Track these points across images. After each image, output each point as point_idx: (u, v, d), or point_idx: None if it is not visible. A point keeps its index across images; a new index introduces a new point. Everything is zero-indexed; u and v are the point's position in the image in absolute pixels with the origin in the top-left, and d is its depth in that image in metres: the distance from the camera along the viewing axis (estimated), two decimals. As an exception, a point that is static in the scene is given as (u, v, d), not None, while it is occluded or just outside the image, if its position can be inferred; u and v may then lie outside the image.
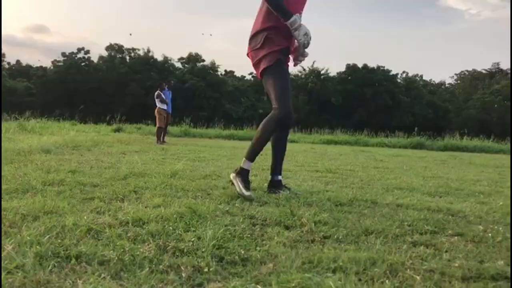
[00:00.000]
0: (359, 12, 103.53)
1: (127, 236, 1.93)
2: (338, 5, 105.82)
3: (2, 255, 1.53)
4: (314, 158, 8.53)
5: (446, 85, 59.45)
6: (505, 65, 60.28)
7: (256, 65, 3.31)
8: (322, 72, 50.86)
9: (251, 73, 57.34)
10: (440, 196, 3.92)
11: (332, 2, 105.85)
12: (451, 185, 4.86)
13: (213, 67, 50.16)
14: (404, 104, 47.74)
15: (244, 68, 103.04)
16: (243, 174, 3.22)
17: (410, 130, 32.25)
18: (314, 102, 49.94)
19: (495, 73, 59.30)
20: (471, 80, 59.24)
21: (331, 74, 51.58)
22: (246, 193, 3.05)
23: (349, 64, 51.37)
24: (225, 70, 57.39)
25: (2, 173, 3.57)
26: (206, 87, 47.65)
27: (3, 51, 46.78)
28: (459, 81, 61.35)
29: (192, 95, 47.57)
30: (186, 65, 50.95)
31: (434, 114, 48.86)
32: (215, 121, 30.02)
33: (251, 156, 3.34)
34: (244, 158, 3.34)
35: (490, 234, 2.27)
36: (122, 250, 1.70)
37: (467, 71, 61.79)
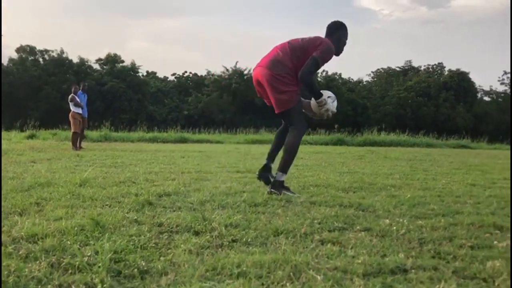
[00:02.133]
0: (280, 12, 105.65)
1: (18, 254, 1.76)
2: (259, 5, 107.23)
3: None
4: (237, 158, 8.51)
5: (364, 83, 62.29)
6: (416, 63, 64.40)
7: (271, 88, 3.72)
8: (245, 72, 51.22)
9: (174, 74, 56.55)
10: (354, 191, 4.04)
11: (254, 2, 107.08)
12: (365, 179, 5.05)
13: (133, 68, 48.68)
14: (325, 102, 49.43)
15: (167, 68, 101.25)
16: (282, 185, 3.68)
17: (331, 127, 33.45)
18: (238, 102, 50.18)
19: (408, 70, 63.05)
20: (386, 77, 62.49)
21: (254, 74, 52.13)
22: (297, 195, 3.55)
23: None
24: (147, 71, 56.05)
25: None
26: (127, 89, 46.16)
27: None
28: (375, 79, 64.44)
29: (112, 97, 45.90)
30: (104, 67, 49.04)
31: (353, 111, 50.94)
32: (137, 123, 29.14)
33: (286, 169, 3.79)
34: (279, 172, 3.75)
35: (394, 228, 2.34)
36: (7, 271, 1.54)
37: (382, 69, 65.08)
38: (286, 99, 3.70)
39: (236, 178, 4.92)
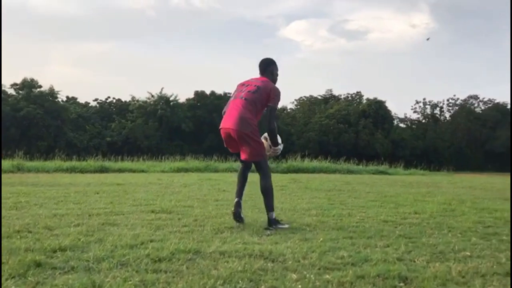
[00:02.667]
0: (206, 39, 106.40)
1: None
2: (181, 31, 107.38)
3: None
4: (156, 193, 8.18)
5: (288, 110, 63.97)
6: (336, 92, 67.17)
7: (243, 142, 4.47)
8: (171, 98, 50.70)
9: (96, 99, 54.57)
10: (267, 234, 3.94)
11: (175, 28, 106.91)
12: (282, 217, 4.98)
13: (52, 93, 46.39)
14: (252, 128, 50.13)
15: (88, 94, 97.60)
16: (275, 221, 4.43)
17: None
18: (164, 128, 49.37)
19: (329, 99, 65.64)
20: (309, 105, 64.61)
21: (180, 101, 51.73)
22: (286, 225, 4.44)
23: (197, 91, 52.13)
24: (67, 96, 53.58)
25: None
26: (45, 115, 43.78)
27: None
28: (299, 106, 66.40)
29: (28, 123, 43.29)
30: (20, 92, 46.28)
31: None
32: (55, 151, 27.52)
33: (272, 207, 4.55)
34: (270, 213, 4.49)
35: (300, 286, 2.24)
36: None
37: (305, 97, 67.26)
38: (257, 152, 4.50)
39: (148, 221, 4.65)
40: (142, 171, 20.77)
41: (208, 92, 52.14)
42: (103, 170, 20.34)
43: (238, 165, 19.07)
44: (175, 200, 6.79)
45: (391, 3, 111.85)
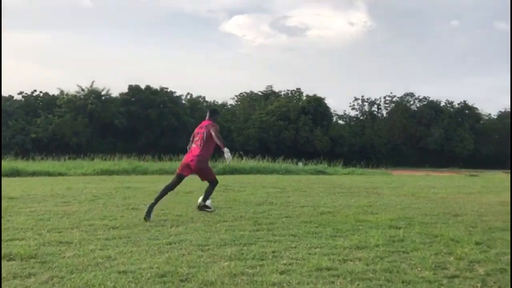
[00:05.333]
0: (140, 32, 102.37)
1: None
2: (120, 23, 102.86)
3: None
4: (40, 215, 6.53)
5: (228, 106, 62.53)
6: (276, 88, 66.57)
7: (200, 171, 6.71)
8: (103, 93, 47.69)
9: (21, 93, 50.29)
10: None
11: (108, 20, 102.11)
12: (178, 270, 3.60)
13: (-31, 85, 42.21)
14: (190, 125, 47.96)
15: (13, 86, 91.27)
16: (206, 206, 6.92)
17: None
18: (96, 124, 46.36)
19: (269, 95, 64.89)
20: (249, 101, 63.57)
21: (113, 95, 48.78)
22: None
23: (131, 85, 49.28)
24: (-12, 89, 49.14)
25: None
26: (-41, 109, 39.73)
27: None
28: (239, 102, 65.21)
29: None
30: None
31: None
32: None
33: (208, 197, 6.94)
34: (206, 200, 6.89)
35: None
36: None
37: (245, 92, 66.18)
38: (210, 177, 6.83)
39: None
40: (60, 174, 18.67)
41: (143, 87, 49.54)
42: (14, 173, 18.06)
43: (169, 166, 17.35)
44: (55, 230, 5.22)
45: (330, 1, 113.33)
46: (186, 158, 6.66)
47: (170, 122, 47.96)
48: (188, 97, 54.84)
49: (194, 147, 6.62)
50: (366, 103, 70.89)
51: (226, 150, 6.38)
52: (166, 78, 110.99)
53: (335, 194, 10.48)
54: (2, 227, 5.35)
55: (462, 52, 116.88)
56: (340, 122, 68.29)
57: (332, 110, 63.56)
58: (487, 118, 72.09)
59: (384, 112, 71.76)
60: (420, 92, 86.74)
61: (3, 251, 4.08)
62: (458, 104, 70.04)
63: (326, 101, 60.41)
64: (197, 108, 51.96)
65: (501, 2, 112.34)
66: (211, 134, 6.50)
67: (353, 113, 70.66)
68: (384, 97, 70.91)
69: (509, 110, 69.76)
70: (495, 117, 71.70)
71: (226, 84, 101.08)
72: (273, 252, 4.28)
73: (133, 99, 49.01)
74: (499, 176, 27.50)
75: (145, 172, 20.70)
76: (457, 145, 64.59)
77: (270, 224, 5.86)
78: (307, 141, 54.57)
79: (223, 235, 5.09)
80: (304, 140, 54.62)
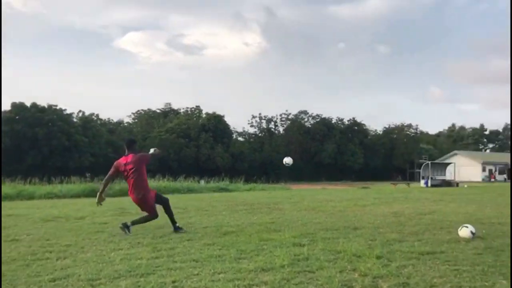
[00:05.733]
0: (26, 47, 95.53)
1: None
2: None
3: None
4: None
5: (125, 124, 60.29)
6: (175, 105, 65.67)
7: (142, 200, 7.02)
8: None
9: None
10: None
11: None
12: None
13: None
14: (83, 144, 45.46)
15: None
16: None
17: (92, 171, 30.16)
18: (-26, 145, 41.83)
19: (168, 112, 63.78)
20: (147, 118, 61.88)
21: (-5, 114, 44.51)
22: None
23: (15, 103, 45.37)
24: None
25: None
26: None
27: None
28: (136, 120, 63.21)
29: None
30: None
31: (114, 153, 48.23)
32: None
33: (137, 223, 6.99)
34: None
35: None
36: None
37: (143, 110, 64.33)
38: (150, 204, 7.06)
39: None
40: None
41: (28, 104, 45.85)
42: None
43: (59, 189, 16.00)
44: None
45: (225, 21, 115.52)
46: (133, 199, 7.01)
47: (60, 141, 44.89)
48: (80, 115, 51.90)
49: (131, 183, 6.85)
50: (263, 120, 72.77)
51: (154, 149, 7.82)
52: (56, 96, 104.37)
53: (238, 212, 10.31)
54: None
55: (349, 72, 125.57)
56: (240, 139, 69.22)
57: (231, 127, 64.23)
58: (373, 133, 77.71)
59: (281, 129, 74.22)
60: (313, 110, 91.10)
61: None
62: (348, 121, 74.77)
63: (225, 119, 60.89)
64: (90, 127, 49.30)
65: (382, 26, 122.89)
66: (143, 167, 6.93)
67: (251, 130, 72.10)
68: (280, 115, 73.48)
69: (393, 126, 76.02)
70: (380, 132, 77.53)
71: (122, 101, 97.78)
72: (174, 282, 3.92)
73: (17, 117, 45.11)
74: (388, 188, 29.53)
75: (31, 197, 18.92)
76: (348, 159, 68.67)
77: (170, 250, 5.46)
78: (209, 158, 54.37)
79: (117, 265, 4.60)
80: (206, 157, 54.36)
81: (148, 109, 64.57)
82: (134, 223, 6.87)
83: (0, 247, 3.43)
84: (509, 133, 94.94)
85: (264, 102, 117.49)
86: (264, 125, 73.06)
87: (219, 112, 59.98)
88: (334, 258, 4.77)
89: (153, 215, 7.02)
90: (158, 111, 64.04)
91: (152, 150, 7.66)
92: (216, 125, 57.42)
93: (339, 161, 68.67)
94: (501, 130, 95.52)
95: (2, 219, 9.67)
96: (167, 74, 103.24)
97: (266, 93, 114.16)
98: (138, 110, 64.46)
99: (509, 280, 3.27)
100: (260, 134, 71.87)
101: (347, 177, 64.36)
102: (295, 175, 63.07)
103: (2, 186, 21.41)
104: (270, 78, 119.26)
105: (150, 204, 6.99)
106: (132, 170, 6.80)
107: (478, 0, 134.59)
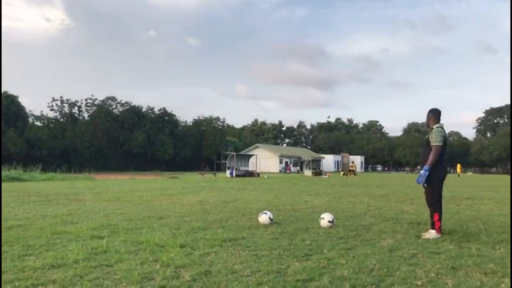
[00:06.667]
0: None
1: None
2: None
3: None
4: None
5: None
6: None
7: None
8: None
9: None
10: None
11: None
12: None
13: None
14: None
15: None
16: None
17: None
18: None
19: None
20: None
21: None
22: None
23: None
24: None
25: None
26: None
27: None
28: None
29: None
30: None
31: None
32: None
33: None
34: None
35: None
36: None
37: None
38: None
39: None
40: None
41: None
42: None
43: None
44: None
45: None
46: None
47: None
48: None
49: None
50: (66, 105, 67.31)
51: None
52: None
53: (29, 204, 9.16)
54: None
55: (160, 61, 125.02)
56: (38, 123, 62.65)
57: (27, 110, 57.68)
58: (184, 124, 78.87)
59: (86, 115, 69.70)
60: (122, 97, 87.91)
61: None
62: (159, 110, 74.28)
63: (20, 100, 54.39)
64: None
65: (192, 19, 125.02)
66: None
67: (52, 114, 65.92)
68: (86, 99, 68.97)
69: (202, 118, 78.36)
70: (190, 123, 79.10)
71: None
72: None
73: None
74: (196, 178, 30.19)
75: None
76: (158, 149, 68.29)
77: None
78: (-2, 144, 47.78)
79: None
80: (-7, 143, 47.61)
81: None
82: None
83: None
84: (302, 130, 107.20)
85: (67, 84, 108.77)
86: (66, 109, 67.55)
87: (12, 92, 53.24)
88: (135, 249, 4.49)
89: None
90: None
91: None
92: (8, 106, 50.75)
93: (149, 151, 67.76)
94: (295, 127, 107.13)
95: None
96: None
97: (70, 75, 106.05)
98: None
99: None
100: (62, 119, 66.19)
101: (157, 167, 64.00)
102: (102, 164, 60.04)
103: None
104: (74, 59, 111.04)
105: None
106: None
107: (280, 6, 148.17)
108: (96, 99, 69.15)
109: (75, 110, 68.64)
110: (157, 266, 3.83)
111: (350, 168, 44.43)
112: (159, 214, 7.44)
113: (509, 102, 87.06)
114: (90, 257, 4.15)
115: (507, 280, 3.40)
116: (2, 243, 4.76)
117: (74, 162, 52.39)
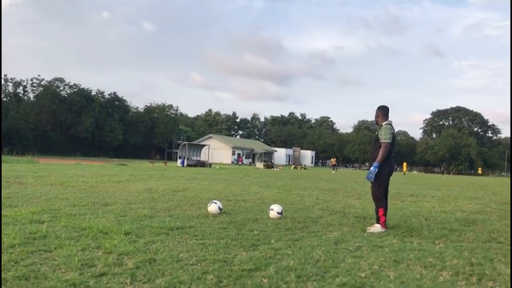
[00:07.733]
0: None
1: None
2: None
3: None
4: None
5: None
6: None
7: None
8: None
9: None
10: None
11: None
12: None
13: None
14: None
15: None
16: None
17: None
18: None
19: None
20: None
21: None
22: None
23: None
24: None
25: None
26: None
27: None
28: None
29: None
30: None
31: None
32: None
33: None
34: None
35: None
36: None
37: None
38: None
39: None
40: None
41: None
42: None
43: None
44: None
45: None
46: None
47: None
48: None
49: None
50: (10, 84, 64.06)
51: None
52: None
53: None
54: None
55: (113, 44, 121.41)
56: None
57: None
58: (135, 110, 77.12)
59: (32, 96, 66.64)
60: (71, 79, 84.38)
61: None
62: (109, 95, 72.24)
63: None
64: None
65: (146, 3, 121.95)
66: None
67: None
68: (31, 79, 65.86)
69: (154, 105, 76.87)
70: (142, 110, 77.46)
71: None
72: None
73: None
74: (146, 165, 29.62)
75: None
76: (107, 134, 66.45)
77: None
78: None
79: None
80: None
81: None
82: None
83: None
84: (256, 122, 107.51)
85: (11, 62, 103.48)
86: (10, 89, 64.29)
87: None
88: (77, 235, 4.32)
89: None
90: None
91: None
92: None
93: (97, 136, 65.79)
94: (249, 119, 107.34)
95: None
96: None
97: (15, 52, 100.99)
98: None
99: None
100: (4, 99, 62.98)
101: (105, 153, 62.30)
102: (46, 148, 57.78)
103: None
104: (21, 37, 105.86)
105: None
106: None
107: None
108: (43, 79, 66.25)
109: (20, 89, 65.48)
110: (99, 252, 3.70)
111: (331, 162, 46.23)
112: (104, 200, 7.22)
113: (454, 105, 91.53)
114: (27, 242, 3.95)
115: (445, 273, 3.52)
116: None
117: (16, 144, 50.12)
